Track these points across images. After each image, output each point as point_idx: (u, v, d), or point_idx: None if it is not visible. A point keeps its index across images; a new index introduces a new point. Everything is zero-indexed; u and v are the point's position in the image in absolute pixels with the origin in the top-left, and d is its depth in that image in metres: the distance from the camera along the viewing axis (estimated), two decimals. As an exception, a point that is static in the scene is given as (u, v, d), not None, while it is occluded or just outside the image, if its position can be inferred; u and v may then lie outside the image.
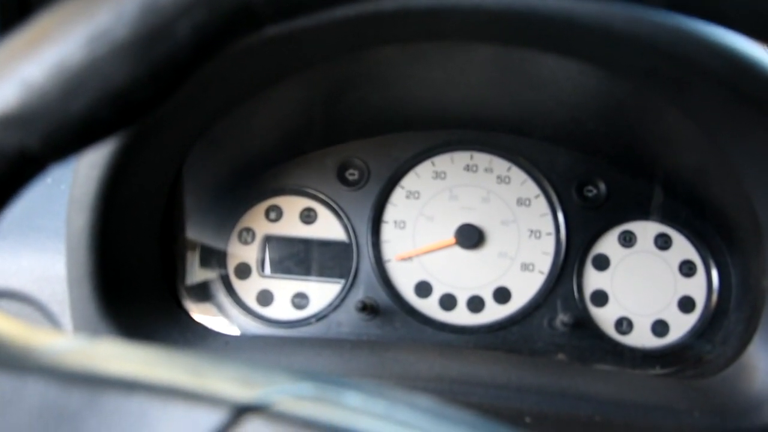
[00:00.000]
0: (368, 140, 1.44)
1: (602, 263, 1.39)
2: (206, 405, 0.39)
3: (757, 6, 0.52)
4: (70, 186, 1.02)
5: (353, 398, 0.43)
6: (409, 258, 1.42)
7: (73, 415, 0.40)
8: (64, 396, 0.40)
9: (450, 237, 1.42)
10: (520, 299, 1.40)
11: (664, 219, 1.38)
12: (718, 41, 0.86)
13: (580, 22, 0.85)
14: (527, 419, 1.05)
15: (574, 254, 1.39)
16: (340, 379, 0.45)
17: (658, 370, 1.33)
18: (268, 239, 1.44)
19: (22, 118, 0.44)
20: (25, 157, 0.45)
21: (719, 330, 1.31)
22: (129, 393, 0.40)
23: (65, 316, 1.15)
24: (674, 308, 1.37)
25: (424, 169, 1.43)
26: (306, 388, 0.43)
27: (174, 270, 1.24)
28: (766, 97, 0.88)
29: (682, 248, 1.38)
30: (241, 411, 0.39)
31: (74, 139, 0.45)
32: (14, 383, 0.41)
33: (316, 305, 1.41)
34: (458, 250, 1.42)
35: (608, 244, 1.40)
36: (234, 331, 1.38)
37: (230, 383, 0.41)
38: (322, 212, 1.44)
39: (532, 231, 1.41)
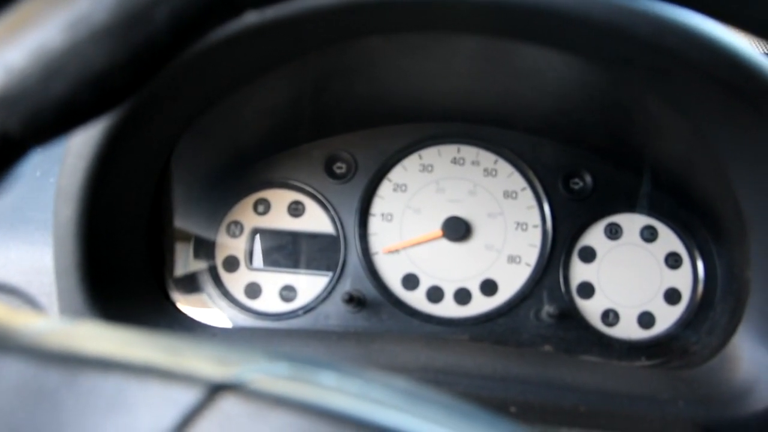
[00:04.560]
0: (356, 133, 1.45)
1: (588, 255, 1.40)
2: (182, 383, 0.40)
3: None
4: (58, 176, 1.02)
5: (328, 377, 0.43)
6: (397, 250, 1.43)
7: (50, 393, 0.40)
8: (42, 375, 0.41)
9: (437, 229, 1.42)
10: (506, 291, 1.41)
11: (650, 211, 1.39)
12: (701, 31, 0.86)
13: (563, 12, 0.86)
14: (512, 409, 1.06)
15: (560, 246, 1.40)
16: (315, 360, 0.46)
17: (644, 361, 1.33)
18: (256, 232, 1.44)
19: (3, 100, 0.44)
20: (7, 140, 0.45)
21: (705, 321, 1.32)
22: (106, 372, 0.41)
23: (53, 309, 1.15)
24: (660, 300, 1.38)
25: (412, 162, 1.44)
26: (281, 367, 0.43)
27: (162, 262, 1.24)
28: (750, 87, 0.88)
29: (668, 240, 1.39)
30: (217, 389, 0.39)
31: (55, 122, 0.46)
32: (-7, 362, 0.41)
33: (303, 298, 1.42)
34: (445, 243, 1.42)
35: (594, 236, 1.41)
36: (222, 323, 1.38)
37: (206, 362, 0.42)
38: (310, 205, 1.44)
39: (518, 223, 1.42)
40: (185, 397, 0.39)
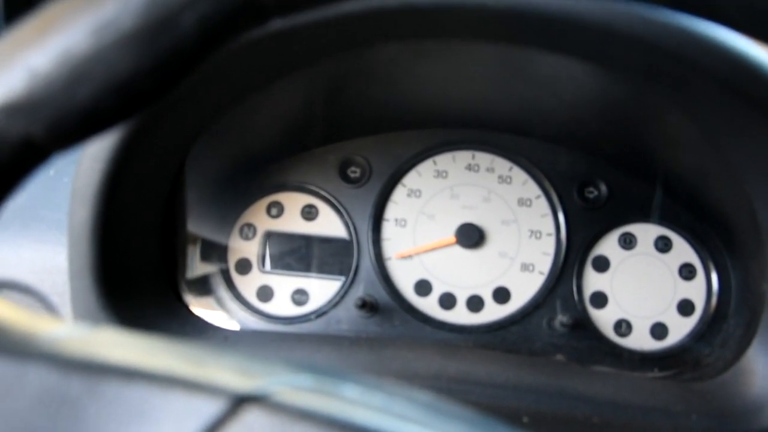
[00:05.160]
0: (370, 138, 1.44)
1: (602, 265, 1.40)
2: (206, 394, 0.40)
3: (758, 4, 0.52)
4: (73, 178, 1.02)
5: (351, 390, 0.43)
6: (410, 256, 1.42)
7: (73, 401, 0.40)
8: (65, 383, 0.41)
9: (450, 236, 1.42)
10: (519, 299, 1.40)
11: (665, 221, 1.39)
12: (719, 42, 0.86)
13: (582, 22, 0.85)
14: (525, 419, 1.05)
15: (574, 255, 1.40)
16: (339, 372, 0.45)
17: (656, 373, 1.33)
18: (269, 235, 1.44)
19: (28, 105, 0.44)
20: (30, 144, 0.45)
21: (718, 333, 1.31)
22: (129, 381, 0.41)
23: (65, 308, 1.15)
24: (673, 311, 1.37)
25: (426, 167, 1.44)
26: (305, 379, 0.43)
27: (174, 264, 1.24)
28: (767, 99, 0.88)
29: (682, 251, 1.38)
30: (240, 401, 0.39)
31: (79, 127, 0.46)
32: (15, 369, 0.41)
33: (315, 302, 1.41)
34: (458, 249, 1.42)
35: (608, 246, 1.40)
36: (233, 326, 1.38)
37: (230, 373, 0.42)
38: (324, 209, 1.44)
39: (532, 231, 1.41)
40: (209, 409, 0.39)
